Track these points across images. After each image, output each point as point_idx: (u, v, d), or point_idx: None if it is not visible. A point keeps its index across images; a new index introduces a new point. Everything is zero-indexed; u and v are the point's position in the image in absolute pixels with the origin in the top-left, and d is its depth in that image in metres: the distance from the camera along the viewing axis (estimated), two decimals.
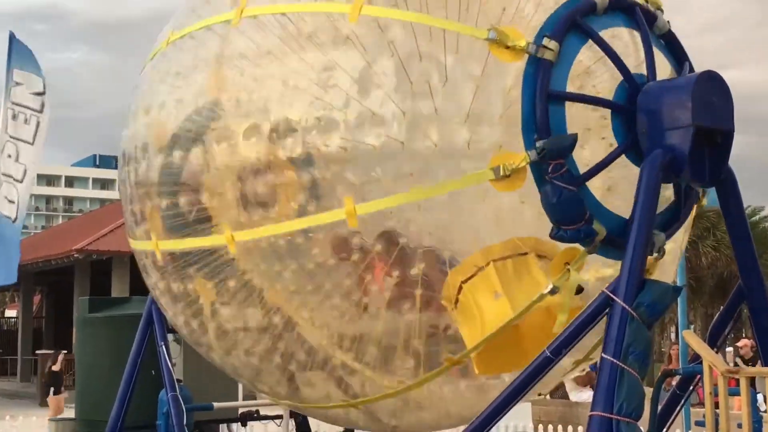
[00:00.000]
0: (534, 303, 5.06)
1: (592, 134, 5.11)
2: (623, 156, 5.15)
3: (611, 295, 4.82)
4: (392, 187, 5.15)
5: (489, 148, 5.01)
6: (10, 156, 12.26)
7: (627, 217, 5.03)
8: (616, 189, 5.18)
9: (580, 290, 5.10)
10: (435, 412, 5.98)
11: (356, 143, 5.17)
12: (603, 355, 4.72)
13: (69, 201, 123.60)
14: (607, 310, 4.84)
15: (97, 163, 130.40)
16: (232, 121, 5.69)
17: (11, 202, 12.27)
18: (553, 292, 5.02)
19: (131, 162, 6.54)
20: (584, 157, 5.04)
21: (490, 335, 5.15)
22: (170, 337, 7.65)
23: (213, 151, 5.77)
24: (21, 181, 12.31)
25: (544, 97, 4.93)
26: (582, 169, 5.03)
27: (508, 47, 4.96)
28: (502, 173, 4.93)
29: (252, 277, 5.84)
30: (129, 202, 6.68)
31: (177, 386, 7.22)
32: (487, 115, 5.02)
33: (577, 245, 5.05)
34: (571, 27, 5.08)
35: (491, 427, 5.23)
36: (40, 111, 12.48)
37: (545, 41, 4.96)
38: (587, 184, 5.03)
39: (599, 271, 5.40)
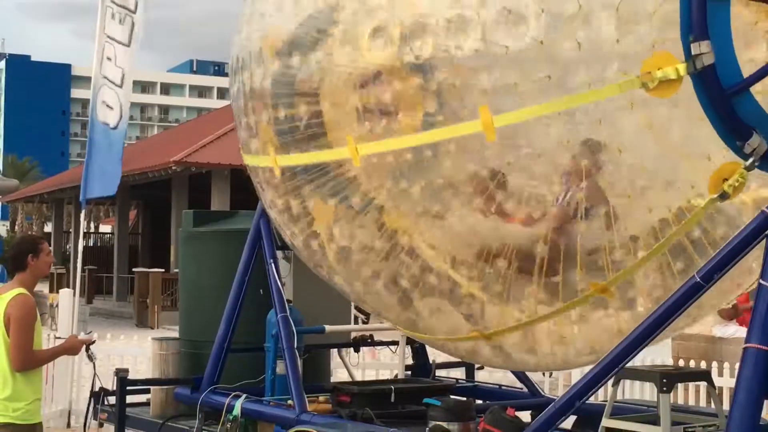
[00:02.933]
0: (703, 209, 5.04)
1: (758, 31, 4.95)
2: None
3: None
4: (530, 95, 5.11)
5: (641, 51, 4.91)
6: (110, 59, 12.54)
7: None
8: None
9: None
10: (573, 348, 6.00)
11: (491, 45, 5.13)
12: (761, 281, 4.65)
13: (164, 110, 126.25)
14: (767, 232, 4.76)
15: (195, 69, 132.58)
16: (355, 23, 5.71)
17: (110, 107, 12.58)
18: (722, 196, 4.94)
19: (245, 70, 6.64)
20: (748, 58, 4.89)
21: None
22: (280, 254, 7.83)
23: (334, 56, 5.80)
24: (120, 86, 12.60)
25: (725, 102, 4.79)
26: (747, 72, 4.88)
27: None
28: (651, 84, 4.84)
29: (376, 195, 5.90)
30: (243, 114, 6.79)
31: (287, 307, 7.41)
32: (640, 11, 4.91)
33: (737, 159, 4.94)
34: None
35: (629, 360, 5.23)
36: (134, 11, 12.70)
37: (693, 48, 4.76)
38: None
39: (758, 192, 5.29)
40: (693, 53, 4.77)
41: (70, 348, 6.83)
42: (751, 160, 4.89)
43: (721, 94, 4.81)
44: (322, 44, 5.92)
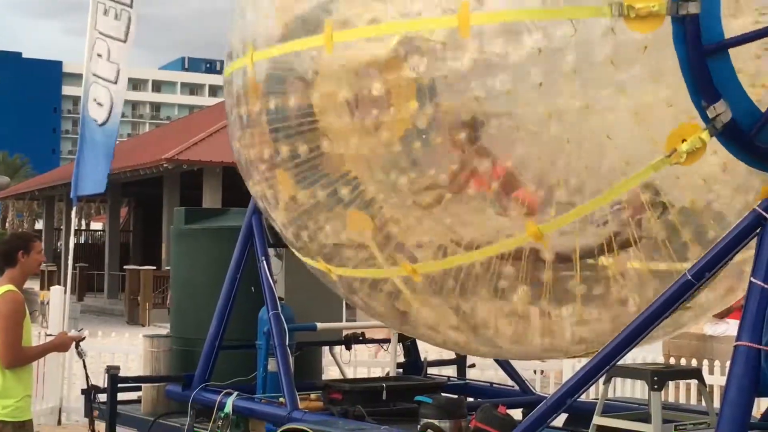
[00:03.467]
0: (652, 166, 5.02)
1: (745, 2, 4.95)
2: None
3: (764, 213, 4.74)
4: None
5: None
6: (100, 55, 12.49)
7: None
8: (762, 78, 5.01)
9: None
10: (560, 338, 6.00)
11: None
12: (752, 279, 4.66)
13: (156, 107, 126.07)
14: (758, 230, 4.77)
15: (186, 66, 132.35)
16: (350, 13, 5.71)
17: (100, 104, 12.54)
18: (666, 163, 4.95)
19: (238, 60, 6.63)
20: (734, 28, 4.88)
21: None
22: (271, 251, 7.83)
23: (326, 48, 5.80)
24: (115, 82, 12.56)
25: (700, 58, 4.79)
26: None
27: (640, 16, 4.80)
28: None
29: (366, 187, 5.89)
30: (235, 105, 6.79)
31: (278, 304, 7.41)
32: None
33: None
34: None
35: (620, 358, 5.24)
36: (130, 5, 12.67)
37: None
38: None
39: None
40: (710, 116, 4.82)
41: (60, 345, 6.81)
42: (711, 124, 4.87)
43: (698, 48, 4.81)
44: (316, 33, 5.91)
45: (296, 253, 7.14)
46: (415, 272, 5.96)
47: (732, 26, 4.87)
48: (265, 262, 7.57)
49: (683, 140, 4.90)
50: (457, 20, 5.20)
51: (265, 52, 6.33)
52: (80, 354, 7.21)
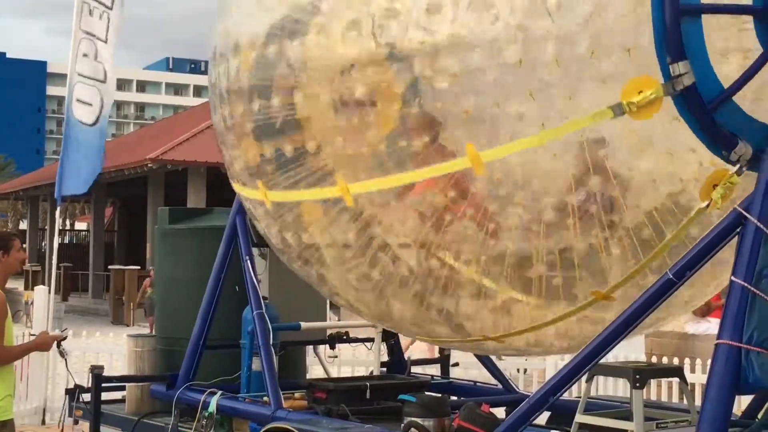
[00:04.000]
0: (696, 214, 5.09)
1: (731, 47, 4.98)
2: None
3: (744, 213, 4.75)
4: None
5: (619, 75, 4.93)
6: (86, 55, 12.45)
7: None
8: (765, 95, 5.04)
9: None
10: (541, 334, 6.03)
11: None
12: (733, 278, 4.68)
13: (141, 107, 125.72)
14: (738, 230, 4.79)
15: (171, 66, 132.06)
16: (332, 14, 5.70)
17: (87, 104, 12.49)
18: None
19: (222, 61, 6.62)
20: (725, 72, 4.90)
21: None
22: (255, 251, 7.82)
23: (310, 48, 5.80)
24: (104, 81, 12.53)
25: (675, 16, 4.78)
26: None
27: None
28: (627, 110, 4.86)
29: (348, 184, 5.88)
30: (219, 105, 6.78)
31: (263, 304, 7.40)
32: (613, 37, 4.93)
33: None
34: None
35: (603, 356, 5.26)
36: (110, 8, 12.63)
37: (672, 69, 4.77)
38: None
39: None
40: (673, 74, 4.80)
41: (42, 344, 6.77)
42: (738, 166, 4.92)
43: (703, 110, 4.84)
44: (298, 35, 5.90)
45: (281, 257, 7.13)
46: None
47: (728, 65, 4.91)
48: (249, 261, 7.56)
49: (639, 92, 4.89)
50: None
51: (248, 54, 6.31)
52: (62, 353, 7.18)
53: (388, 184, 5.67)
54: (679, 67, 4.78)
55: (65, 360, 7.34)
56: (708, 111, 4.84)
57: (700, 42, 4.83)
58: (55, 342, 6.90)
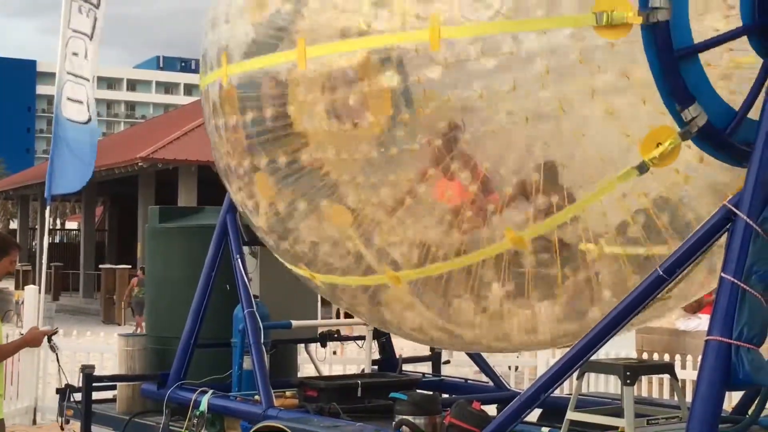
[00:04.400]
0: (636, 167, 5.04)
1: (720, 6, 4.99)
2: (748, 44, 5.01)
3: (733, 209, 4.76)
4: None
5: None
6: (76, 54, 12.43)
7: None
8: (732, 78, 5.04)
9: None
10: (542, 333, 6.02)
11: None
12: (722, 274, 4.68)
13: (131, 106, 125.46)
14: (728, 226, 4.79)
15: (161, 65, 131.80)
16: (319, 22, 5.70)
17: (78, 102, 12.47)
18: (641, 168, 4.98)
19: (213, 72, 6.61)
20: (703, 28, 4.91)
21: None
22: (246, 250, 7.81)
23: (300, 63, 5.78)
24: (90, 80, 12.52)
25: (673, 63, 4.82)
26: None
27: (613, 25, 4.82)
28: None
29: (346, 191, 5.88)
30: (212, 116, 6.77)
31: (253, 302, 7.39)
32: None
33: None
34: None
35: (593, 354, 5.26)
36: (97, 6, 12.60)
37: (652, 0, 4.78)
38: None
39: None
40: (685, 119, 4.84)
41: (32, 340, 6.73)
42: (686, 127, 4.91)
43: (670, 53, 4.84)
44: (285, 44, 5.90)
45: (279, 258, 7.12)
46: (398, 279, 5.96)
47: (702, 27, 4.91)
48: (239, 260, 7.55)
49: (658, 144, 4.94)
50: (428, 34, 5.19)
51: (239, 65, 6.30)
52: (53, 348, 7.15)
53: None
54: (691, 112, 4.86)
55: (57, 355, 7.32)
56: (675, 57, 4.84)
57: (703, 79, 4.91)
58: (46, 337, 6.88)
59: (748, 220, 4.70)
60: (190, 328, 7.85)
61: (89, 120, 12.51)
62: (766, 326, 4.68)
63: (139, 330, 22.53)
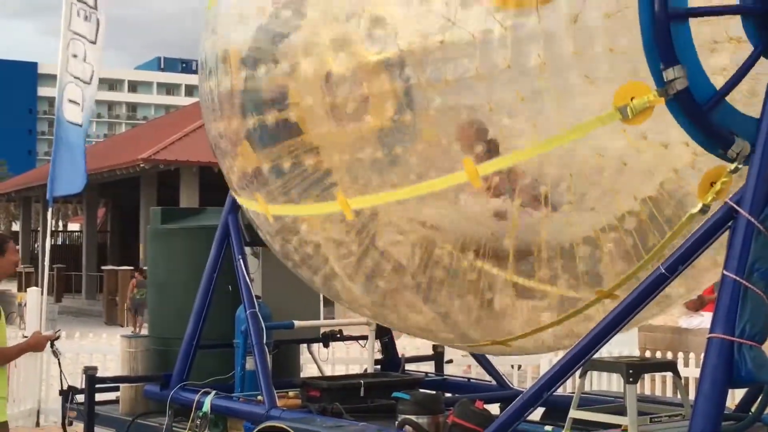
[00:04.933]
0: (684, 223, 5.09)
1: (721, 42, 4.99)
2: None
3: (735, 206, 4.75)
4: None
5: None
6: (75, 56, 12.43)
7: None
8: (760, 90, 5.03)
9: None
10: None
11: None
12: (724, 271, 4.68)
13: (132, 107, 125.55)
14: (730, 223, 4.79)
15: (162, 66, 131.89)
16: (318, 25, 5.71)
17: (77, 104, 12.48)
18: (703, 211, 4.97)
19: (212, 76, 6.62)
20: (714, 65, 4.91)
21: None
22: (248, 250, 7.81)
23: (298, 59, 5.79)
24: (89, 83, 12.51)
25: (665, 20, 4.77)
26: (715, 80, 4.88)
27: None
28: (630, 114, 4.86)
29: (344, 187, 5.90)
30: (212, 119, 6.78)
31: (256, 303, 7.40)
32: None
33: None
34: None
35: (595, 352, 5.26)
36: (95, 8, 12.61)
37: (665, 75, 4.76)
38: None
39: None
40: (666, 80, 4.79)
41: (35, 344, 6.75)
42: (736, 163, 4.90)
43: (698, 112, 4.82)
44: (285, 46, 5.92)
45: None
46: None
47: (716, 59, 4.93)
48: (241, 260, 7.55)
49: (632, 98, 4.88)
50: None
51: (238, 68, 6.29)
52: (55, 353, 7.16)
53: (387, 198, 5.68)
54: (673, 72, 4.78)
55: (59, 360, 7.32)
56: (704, 112, 4.83)
57: (690, 45, 4.83)
58: (49, 342, 6.89)
59: (750, 217, 4.69)
60: (193, 329, 7.85)
61: (82, 124, 12.51)
62: None
63: (138, 331, 22.56)
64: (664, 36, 4.78)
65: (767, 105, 4.83)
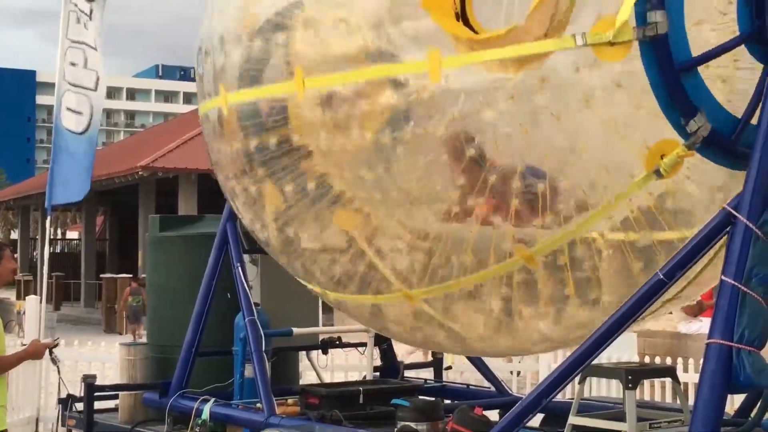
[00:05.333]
0: (637, 184, 5.07)
1: (713, 14, 5.00)
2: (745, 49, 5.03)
3: (733, 212, 4.76)
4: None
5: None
6: (74, 64, 12.41)
7: (740, 117, 4.98)
8: (733, 82, 5.06)
9: None
10: (526, 337, 6.03)
11: None
12: (723, 277, 4.69)
13: (131, 115, 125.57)
14: (728, 229, 4.79)
15: (160, 74, 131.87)
16: (318, 11, 5.70)
17: (77, 112, 12.45)
18: (658, 173, 4.97)
19: (209, 56, 6.59)
20: (702, 38, 4.92)
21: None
22: (247, 258, 7.82)
23: (299, 93, 5.78)
24: (95, 90, 12.49)
25: (675, 77, 4.83)
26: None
27: (610, 44, 4.79)
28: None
29: (333, 182, 5.86)
30: (214, 140, 6.75)
31: (254, 310, 7.39)
32: None
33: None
34: None
35: (595, 357, 5.26)
36: (90, 17, 12.61)
37: (649, 16, 4.76)
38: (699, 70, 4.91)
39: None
40: (648, 21, 4.78)
41: (34, 352, 6.76)
42: (692, 139, 4.91)
43: (670, 67, 4.83)
44: (284, 31, 5.89)
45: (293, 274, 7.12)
46: (412, 298, 5.96)
47: (701, 36, 4.93)
48: (240, 268, 7.56)
49: (662, 156, 4.95)
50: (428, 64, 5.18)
51: (239, 94, 6.27)
52: (54, 361, 7.16)
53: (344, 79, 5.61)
54: (696, 122, 4.87)
55: (58, 367, 7.32)
56: (676, 70, 4.83)
57: (704, 89, 4.92)
58: (47, 350, 6.88)
59: (748, 222, 4.71)
60: (192, 337, 7.85)
61: (86, 130, 12.48)
62: (766, 329, 4.68)
63: (137, 338, 22.56)
64: (678, 91, 4.85)
65: (764, 113, 4.84)
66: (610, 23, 4.77)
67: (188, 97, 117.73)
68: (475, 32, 5.08)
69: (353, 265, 6.12)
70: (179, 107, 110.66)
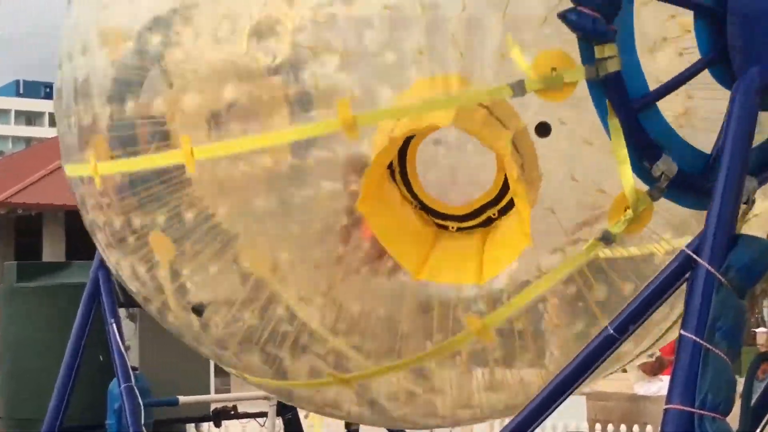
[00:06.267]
0: (583, 256, 5.22)
1: (668, 44, 5.09)
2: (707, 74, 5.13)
3: (693, 256, 4.79)
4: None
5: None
6: None
7: (708, 152, 5.06)
8: (695, 114, 5.15)
9: None
10: (450, 399, 6.07)
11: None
12: (682, 332, 4.70)
13: None
14: (687, 275, 4.84)
15: (21, 91, 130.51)
16: (203, 15, 5.70)
17: None
18: (606, 239, 5.08)
19: (70, 61, 6.53)
20: (657, 70, 5.01)
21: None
22: (123, 312, 7.73)
23: (177, 52, 5.77)
24: None
25: (632, 118, 4.91)
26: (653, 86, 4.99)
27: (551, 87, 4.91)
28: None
29: (220, 218, 5.85)
30: (65, 115, 6.71)
31: (132, 375, 7.31)
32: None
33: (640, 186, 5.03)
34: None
35: (536, 426, 5.27)
36: None
37: (597, 51, 4.82)
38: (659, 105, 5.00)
39: (671, 243, 5.42)
40: (597, 57, 4.83)
41: None
42: (658, 183, 4.99)
43: (626, 107, 4.90)
44: (163, 37, 5.88)
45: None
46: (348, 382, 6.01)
47: (655, 63, 5.04)
48: (114, 325, 7.46)
49: (626, 208, 5.01)
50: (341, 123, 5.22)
51: (114, 165, 6.25)
52: None
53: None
54: (660, 166, 4.94)
55: None
56: (633, 109, 4.92)
57: (667, 127, 5.00)
58: None
59: (709, 267, 4.74)
60: (55, 409, 7.71)
61: None
62: (732, 391, 4.71)
63: None
64: (637, 133, 4.92)
65: (726, 147, 4.92)
66: (552, 58, 4.87)
67: (55, 120, 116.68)
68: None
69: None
70: (44, 131, 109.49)
